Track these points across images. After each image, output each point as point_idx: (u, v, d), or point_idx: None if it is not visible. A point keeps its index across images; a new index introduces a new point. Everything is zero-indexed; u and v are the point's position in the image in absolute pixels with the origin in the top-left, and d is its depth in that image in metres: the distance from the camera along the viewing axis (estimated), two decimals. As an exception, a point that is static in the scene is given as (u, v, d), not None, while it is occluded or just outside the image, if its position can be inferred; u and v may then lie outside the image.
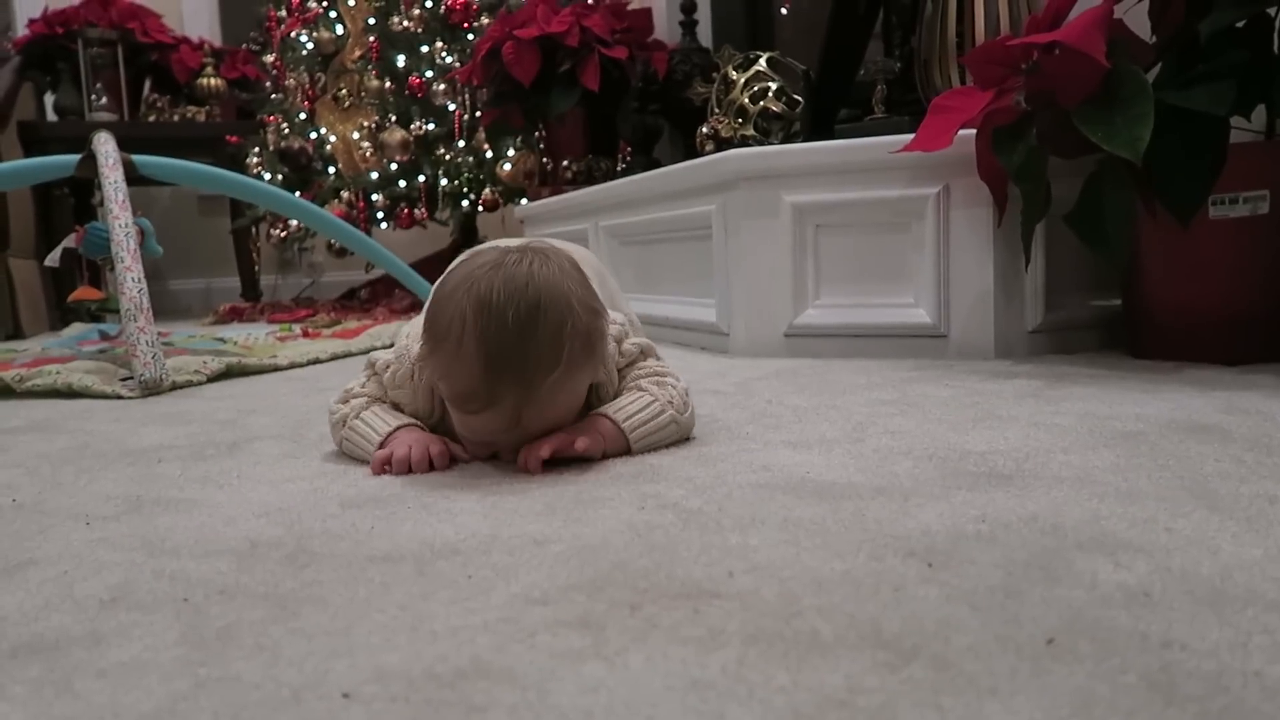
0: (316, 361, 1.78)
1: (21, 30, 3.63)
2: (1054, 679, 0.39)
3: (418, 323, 0.91)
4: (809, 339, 1.48)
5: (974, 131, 1.27)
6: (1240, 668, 0.39)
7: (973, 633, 0.44)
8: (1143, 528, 0.58)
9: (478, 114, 2.79)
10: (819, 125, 1.72)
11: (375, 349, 1.89)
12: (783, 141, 1.90)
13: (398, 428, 0.85)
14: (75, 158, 1.75)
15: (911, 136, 1.30)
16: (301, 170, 3.13)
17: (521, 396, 0.75)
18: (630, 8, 2.58)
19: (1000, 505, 0.64)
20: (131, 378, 1.42)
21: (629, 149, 2.57)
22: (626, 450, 0.83)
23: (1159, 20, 1.23)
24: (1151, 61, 1.21)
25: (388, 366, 0.89)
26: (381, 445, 0.83)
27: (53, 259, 1.77)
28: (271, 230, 3.40)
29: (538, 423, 0.78)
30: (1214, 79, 1.11)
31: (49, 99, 3.59)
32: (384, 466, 0.80)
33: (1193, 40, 1.17)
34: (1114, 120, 1.10)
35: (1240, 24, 1.15)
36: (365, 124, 2.99)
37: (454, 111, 2.86)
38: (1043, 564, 0.52)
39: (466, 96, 2.83)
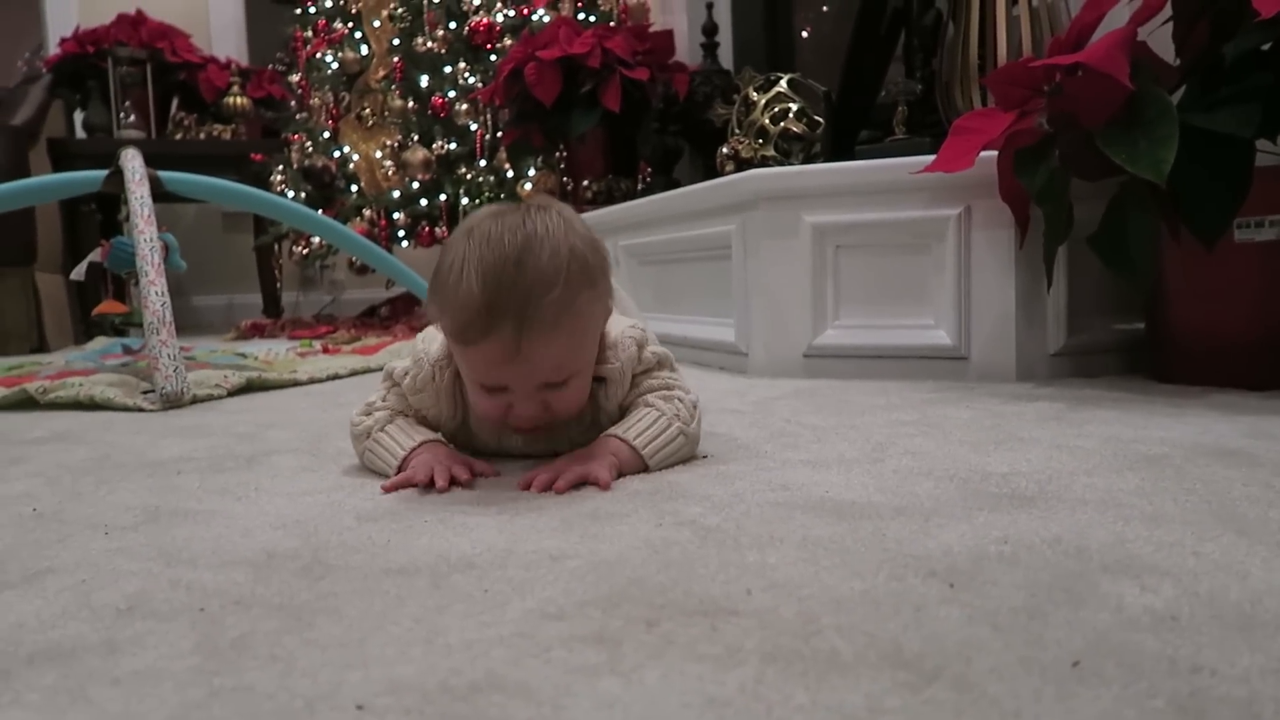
0: (336, 377, 1.79)
1: (54, 49, 3.69)
2: (1079, 702, 0.38)
3: (430, 329, 0.91)
4: (828, 359, 1.48)
5: (995, 153, 1.27)
6: (1273, 694, 0.38)
7: (995, 654, 0.43)
8: (1169, 551, 0.57)
9: (499, 134, 2.82)
10: (840, 146, 1.72)
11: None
12: (803, 162, 1.90)
13: (420, 444, 0.84)
14: (102, 173, 1.77)
15: (933, 157, 1.29)
16: (324, 188, 3.16)
17: (520, 315, 0.74)
18: (652, 30, 2.60)
19: (1023, 527, 0.63)
20: (153, 391, 1.43)
21: (649, 169, 2.58)
22: (643, 469, 0.83)
23: (1183, 42, 1.22)
24: (1175, 84, 1.21)
25: (406, 374, 0.89)
26: (402, 464, 0.83)
27: (78, 273, 1.79)
28: (294, 248, 3.43)
29: (542, 356, 0.77)
30: (1239, 101, 1.11)
31: (78, 116, 3.64)
32: (398, 489, 0.80)
33: (1217, 62, 1.16)
34: (1138, 142, 1.09)
35: (1266, 46, 1.14)
36: (388, 143, 3.02)
37: (476, 131, 2.89)
38: (1067, 586, 0.51)
39: (488, 116, 2.86)
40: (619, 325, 0.88)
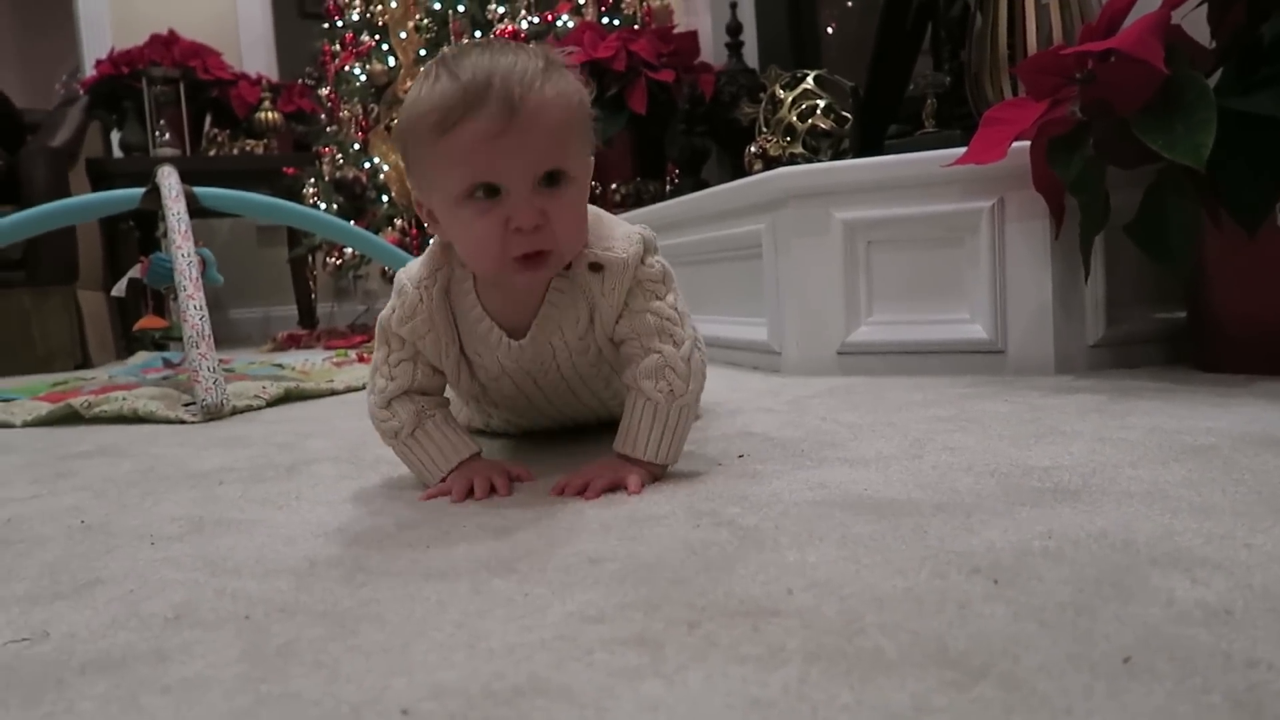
0: (371, 386, 1.80)
1: (89, 71, 3.77)
2: (1132, 698, 0.37)
3: (411, 263, 0.88)
4: (862, 356, 1.47)
5: (1028, 143, 1.25)
6: (1332, 688, 0.37)
7: (1043, 651, 0.42)
8: (1220, 543, 0.55)
9: (527, 140, 2.82)
10: (868, 141, 1.71)
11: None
12: (832, 159, 1.89)
13: (458, 465, 0.84)
14: (140, 191, 1.81)
15: (963, 150, 1.28)
16: (356, 199, 3.19)
17: (506, 83, 0.70)
18: (676, 31, 2.60)
19: (1067, 521, 0.62)
20: (194, 403, 1.45)
21: (677, 170, 2.58)
22: (664, 468, 0.82)
23: (1219, 24, 1.20)
24: (1212, 67, 1.18)
25: (392, 311, 0.84)
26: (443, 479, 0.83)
27: (119, 289, 1.83)
28: (327, 259, 3.47)
29: (537, 124, 0.71)
30: (1278, 83, 1.08)
31: (115, 136, 3.72)
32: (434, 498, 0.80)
33: (1255, 43, 1.14)
34: (1175, 128, 1.07)
35: (1305, 26, 1.12)
36: (417, 153, 3.05)
37: (503, 138, 2.90)
38: (1115, 581, 0.50)
39: (516, 123, 2.87)
40: (625, 225, 0.85)
